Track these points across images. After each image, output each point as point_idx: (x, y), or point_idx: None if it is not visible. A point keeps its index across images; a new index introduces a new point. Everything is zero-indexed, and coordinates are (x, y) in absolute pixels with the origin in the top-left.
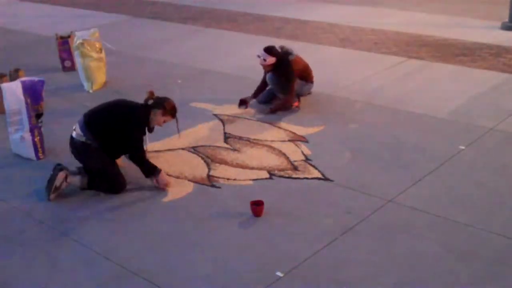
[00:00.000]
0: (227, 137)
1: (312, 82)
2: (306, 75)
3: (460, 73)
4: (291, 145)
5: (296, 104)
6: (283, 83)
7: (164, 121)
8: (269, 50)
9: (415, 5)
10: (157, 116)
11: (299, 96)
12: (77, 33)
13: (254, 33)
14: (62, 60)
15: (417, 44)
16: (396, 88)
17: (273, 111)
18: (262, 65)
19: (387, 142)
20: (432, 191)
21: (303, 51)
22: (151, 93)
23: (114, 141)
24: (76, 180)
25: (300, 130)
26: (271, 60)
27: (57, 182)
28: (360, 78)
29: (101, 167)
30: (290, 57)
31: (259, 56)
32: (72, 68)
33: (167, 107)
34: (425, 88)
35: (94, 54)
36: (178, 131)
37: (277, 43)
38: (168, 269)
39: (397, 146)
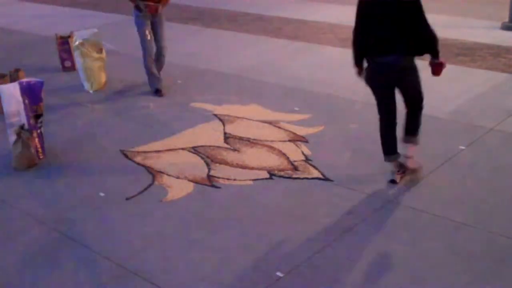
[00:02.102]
0: (227, 137)
1: None
2: None
3: (460, 73)
4: (291, 145)
5: None
6: None
7: None
8: None
9: None
10: None
11: None
12: (77, 33)
13: (254, 33)
14: (62, 60)
15: None
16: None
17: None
18: None
19: None
20: (432, 191)
21: (303, 51)
22: None
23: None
24: None
25: (300, 130)
26: None
27: None
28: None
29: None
30: None
31: None
32: (72, 68)
33: None
34: (425, 88)
35: (94, 54)
36: None
37: (277, 43)
38: (168, 269)
39: None
